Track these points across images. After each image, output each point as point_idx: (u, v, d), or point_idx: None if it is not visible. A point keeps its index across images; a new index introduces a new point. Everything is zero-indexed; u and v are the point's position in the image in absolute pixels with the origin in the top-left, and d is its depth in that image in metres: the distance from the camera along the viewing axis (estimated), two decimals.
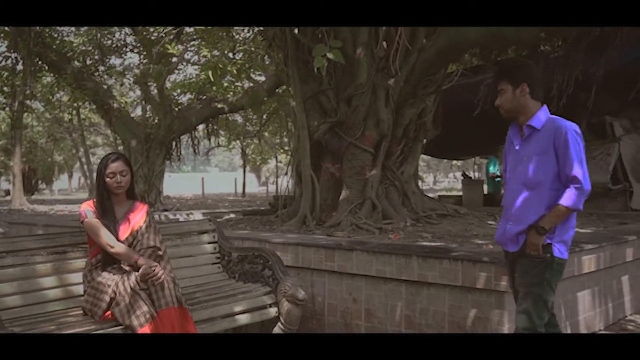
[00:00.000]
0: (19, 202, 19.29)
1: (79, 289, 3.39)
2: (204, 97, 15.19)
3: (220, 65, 7.16)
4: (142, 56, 15.50)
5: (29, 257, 3.36)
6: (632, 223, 6.22)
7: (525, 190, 2.81)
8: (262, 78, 13.97)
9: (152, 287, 3.11)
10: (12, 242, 3.42)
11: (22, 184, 20.84)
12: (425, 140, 7.34)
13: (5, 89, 15.77)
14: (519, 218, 2.82)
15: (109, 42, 14.57)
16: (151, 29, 12.35)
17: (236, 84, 14.49)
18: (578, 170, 2.66)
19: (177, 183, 34.60)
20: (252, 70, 12.71)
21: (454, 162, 32.13)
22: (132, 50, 15.37)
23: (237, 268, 4.11)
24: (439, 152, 12.94)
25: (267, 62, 11.41)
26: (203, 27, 9.76)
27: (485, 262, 3.48)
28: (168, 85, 15.97)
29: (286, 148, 23.52)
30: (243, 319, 3.57)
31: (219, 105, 14.68)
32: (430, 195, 8.82)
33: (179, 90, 16.08)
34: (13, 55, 14.25)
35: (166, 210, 11.05)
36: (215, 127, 17.81)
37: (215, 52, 10.54)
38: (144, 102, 16.66)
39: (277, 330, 3.68)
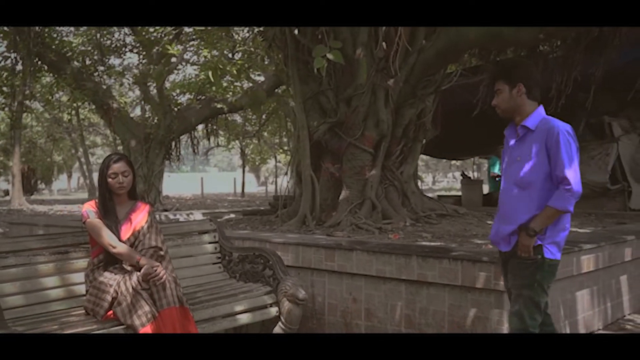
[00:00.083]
0: (18, 202, 19.28)
1: (81, 289, 3.41)
2: (204, 97, 15.19)
3: (220, 66, 7.17)
4: (141, 56, 15.50)
5: (31, 257, 3.37)
6: (630, 223, 6.24)
7: (517, 190, 2.82)
8: (262, 78, 13.98)
9: (154, 287, 3.13)
10: (14, 242, 3.44)
11: (22, 184, 20.83)
12: (424, 141, 7.36)
13: (4, 89, 15.76)
14: (511, 218, 2.83)
15: (109, 42, 14.57)
16: (151, 29, 12.37)
17: (235, 84, 14.49)
18: (568, 172, 2.66)
19: (176, 183, 34.59)
20: (251, 70, 12.72)
21: (453, 162, 32.13)
22: (131, 51, 15.37)
23: (238, 268, 4.13)
24: (439, 152, 12.95)
25: (266, 63, 11.42)
26: (202, 28, 9.76)
27: (484, 261, 3.50)
28: (167, 86, 15.97)
29: (285, 148, 23.53)
30: (244, 318, 3.58)
31: (219, 106, 14.68)
32: (429, 195, 8.83)
33: (178, 91, 16.08)
34: (12, 56, 14.25)
35: (166, 210, 11.06)
36: (214, 127, 17.81)
37: (215, 52, 10.54)
38: (143, 102, 16.64)
39: (277, 329, 3.70)
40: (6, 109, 18.12)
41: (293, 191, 7.19)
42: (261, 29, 7.93)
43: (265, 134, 22.71)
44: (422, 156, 14.39)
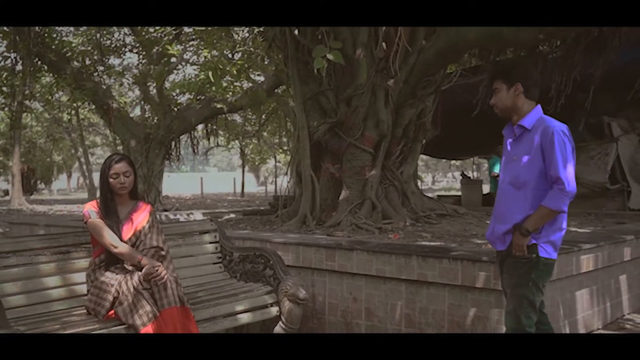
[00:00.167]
0: (18, 202, 19.30)
1: (83, 289, 3.42)
2: (203, 97, 15.20)
3: (220, 66, 7.18)
4: (141, 56, 15.51)
5: (33, 257, 3.38)
6: (630, 223, 6.26)
7: (512, 189, 2.83)
8: (262, 78, 13.99)
9: (155, 287, 3.14)
10: (16, 242, 3.45)
11: (21, 184, 20.85)
12: (424, 141, 7.37)
13: (4, 89, 15.75)
14: (505, 217, 2.84)
15: (108, 42, 14.57)
16: (151, 29, 12.36)
17: (235, 84, 14.50)
18: (562, 172, 2.65)
19: (175, 183, 34.60)
20: (251, 70, 12.73)
21: (453, 162, 32.14)
22: (131, 51, 15.37)
23: (239, 268, 4.14)
24: (438, 152, 12.96)
25: (266, 63, 11.42)
26: (202, 28, 9.76)
27: (484, 261, 3.51)
28: (167, 86, 15.97)
29: (285, 148, 23.53)
30: (245, 318, 3.59)
31: (218, 106, 14.68)
32: (429, 195, 8.85)
33: (178, 91, 16.09)
34: (12, 56, 14.24)
35: (166, 210, 11.07)
36: (214, 127, 17.82)
37: (215, 53, 10.55)
38: (143, 102, 16.65)
39: (278, 329, 3.71)
40: (6, 109, 18.11)
41: (293, 191, 7.20)
42: (261, 29, 7.93)
43: (265, 134, 22.71)
44: (422, 156, 14.40)
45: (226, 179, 41.18)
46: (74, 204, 19.92)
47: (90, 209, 3.34)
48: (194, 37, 13.77)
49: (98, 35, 13.63)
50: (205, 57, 10.59)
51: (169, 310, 3.10)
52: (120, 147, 17.75)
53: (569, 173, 2.67)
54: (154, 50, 12.22)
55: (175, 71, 16.32)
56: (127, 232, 3.35)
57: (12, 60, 14.43)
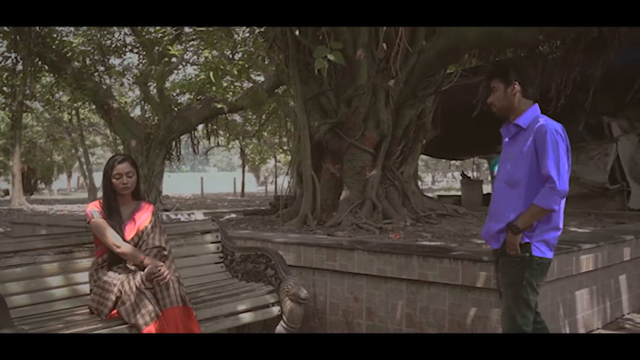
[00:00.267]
0: (19, 202, 19.32)
1: (85, 288, 3.43)
2: (204, 97, 15.20)
3: (221, 66, 7.19)
4: (141, 56, 15.51)
5: (35, 257, 3.40)
6: (629, 223, 6.27)
7: (507, 188, 2.84)
8: (262, 78, 13.99)
9: (157, 287, 3.15)
10: (19, 242, 3.46)
11: (22, 184, 20.87)
12: (424, 141, 7.39)
13: (4, 89, 15.74)
14: (499, 216, 2.85)
15: (109, 42, 14.57)
16: (151, 30, 12.37)
17: (236, 84, 14.50)
18: (553, 170, 2.65)
19: (176, 183, 34.61)
20: (251, 70, 12.73)
21: (453, 162, 32.15)
22: (131, 51, 15.37)
23: (240, 267, 4.15)
24: (439, 152, 12.98)
25: (267, 63, 11.44)
26: (203, 28, 9.77)
27: (485, 261, 3.52)
28: (167, 86, 15.98)
29: (285, 148, 23.53)
30: (246, 317, 3.60)
31: (219, 106, 14.69)
32: (429, 195, 8.87)
33: (178, 90, 16.09)
34: (13, 56, 14.23)
35: (166, 210, 11.08)
36: (214, 127, 17.82)
37: (215, 53, 10.55)
38: (143, 102, 16.65)
39: (279, 328, 3.72)
40: (6, 109, 18.12)
41: (294, 191, 7.22)
42: (262, 29, 7.95)
43: (265, 134, 22.70)
44: (422, 156, 14.41)
45: (226, 179, 41.20)
46: (74, 203, 19.94)
47: (93, 209, 3.36)
48: (194, 37, 13.77)
49: (98, 35, 13.64)
50: (206, 57, 10.60)
51: (171, 309, 3.11)
52: (120, 147, 17.77)
53: (560, 172, 2.66)
54: (155, 50, 12.23)
55: (175, 71, 16.33)
56: (130, 232, 3.36)
57: (12, 60, 14.43)
